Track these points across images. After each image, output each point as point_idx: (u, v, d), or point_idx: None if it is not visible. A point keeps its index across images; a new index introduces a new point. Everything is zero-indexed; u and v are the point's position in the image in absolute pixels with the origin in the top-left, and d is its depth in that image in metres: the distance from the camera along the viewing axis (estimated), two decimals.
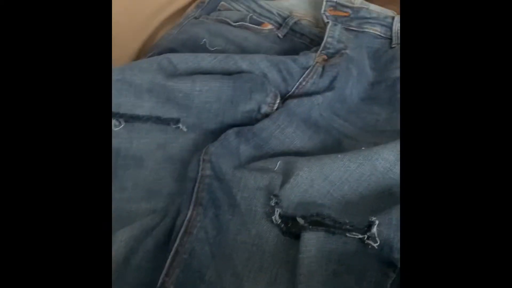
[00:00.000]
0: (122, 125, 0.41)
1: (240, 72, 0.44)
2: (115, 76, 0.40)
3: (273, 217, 0.36)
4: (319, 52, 0.50)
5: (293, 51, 0.52)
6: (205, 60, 0.44)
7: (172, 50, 0.53)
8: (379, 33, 0.58)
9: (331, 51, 0.51)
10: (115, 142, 0.41)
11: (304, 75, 0.47)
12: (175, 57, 0.45)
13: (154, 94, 0.42)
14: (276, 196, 0.37)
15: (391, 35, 0.57)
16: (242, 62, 0.45)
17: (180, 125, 0.42)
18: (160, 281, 0.31)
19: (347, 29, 0.57)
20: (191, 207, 0.36)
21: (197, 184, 0.38)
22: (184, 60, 0.44)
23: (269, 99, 0.43)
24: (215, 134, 0.42)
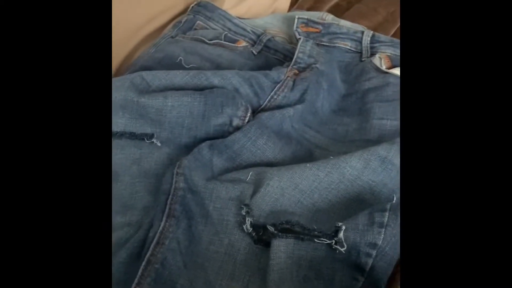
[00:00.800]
0: None
1: (212, 87, 0.46)
2: None
3: (244, 226, 0.37)
4: (290, 67, 0.52)
5: (267, 67, 0.54)
6: (178, 77, 0.46)
7: (148, 69, 0.54)
8: (349, 47, 0.60)
9: (302, 65, 0.53)
10: None
11: (275, 89, 0.49)
12: (148, 75, 0.46)
13: (127, 110, 0.43)
14: (247, 205, 0.38)
15: (361, 49, 0.59)
16: (214, 78, 0.47)
17: (154, 140, 0.43)
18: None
19: (318, 44, 0.59)
20: (164, 219, 0.37)
21: (170, 197, 0.39)
22: (156, 77, 0.46)
23: (240, 113, 0.45)
24: (189, 147, 0.43)
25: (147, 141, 0.43)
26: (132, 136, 0.43)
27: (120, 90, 0.44)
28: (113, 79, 0.45)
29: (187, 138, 0.44)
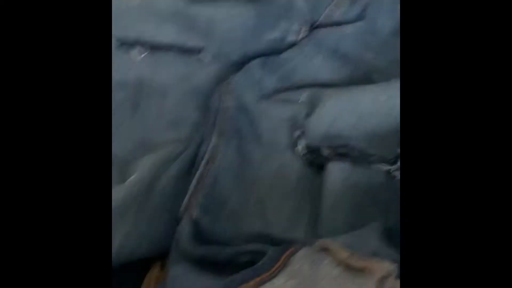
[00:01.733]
0: (145, 54, 0.40)
1: None
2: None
3: (297, 148, 0.36)
4: None
5: None
6: None
7: None
8: None
9: None
10: (137, 72, 0.40)
11: (333, 3, 0.44)
12: None
13: (176, 20, 0.40)
14: (300, 127, 0.36)
15: None
16: None
17: (203, 54, 0.41)
18: (184, 202, 0.31)
19: None
20: (214, 137, 0.36)
21: (220, 115, 0.38)
22: None
23: (295, 27, 0.41)
24: (239, 64, 0.41)
25: (197, 55, 0.41)
26: (181, 49, 0.40)
27: None
28: None
29: (237, 54, 0.41)
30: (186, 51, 0.40)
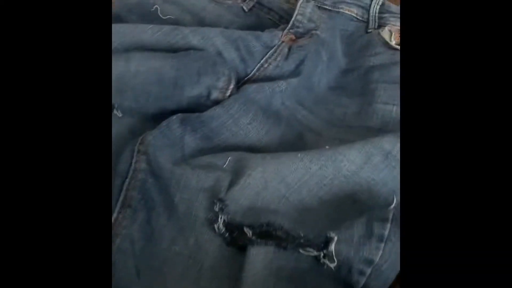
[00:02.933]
0: None
1: (189, 48, 0.38)
2: None
3: (216, 225, 0.31)
4: (286, 30, 0.44)
5: (258, 28, 0.46)
6: (147, 33, 0.37)
7: (115, 17, 0.45)
8: (355, 15, 0.52)
9: (300, 30, 0.44)
10: None
11: (266, 56, 0.41)
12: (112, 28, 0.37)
13: None
14: (221, 200, 0.31)
15: (367, 18, 0.51)
16: (193, 37, 0.38)
17: (114, 110, 0.35)
18: None
19: (320, 8, 0.50)
20: (116, 209, 0.30)
21: (127, 180, 0.32)
22: (121, 33, 0.37)
23: (221, 84, 0.37)
24: (157, 120, 0.35)
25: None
26: None
27: None
28: None
29: (154, 109, 0.36)
30: None
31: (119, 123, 0.36)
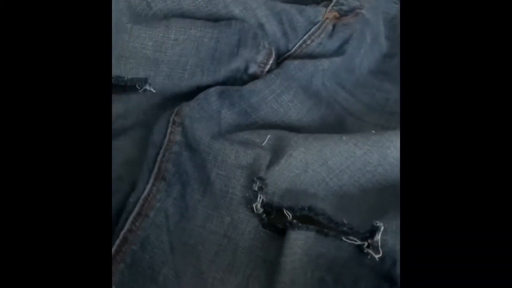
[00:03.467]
0: None
1: (230, 18, 0.35)
2: None
3: (254, 205, 0.29)
4: (330, 7, 0.41)
5: (299, 2, 0.43)
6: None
7: None
8: None
9: (344, 8, 0.42)
10: None
11: (310, 32, 0.39)
12: None
13: (115, 43, 0.32)
14: (260, 179, 0.29)
15: None
16: (235, 7, 0.36)
17: (147, 87, 0.33)
18: None
19: None
20: (150, 181, 0.28)
21: (161, 152, 0.30)
22: None
23: (260, 57, 0.35)
24: (189, 99, 0.33)
25: (139, 90, 0.33)
26: (119, 80, 0.32)
27: (112, 12, 0.33)
28: None
29: (188, 87, 0.34)
30: (124, 86, 0.32)
31: (150, 101, 0.34)
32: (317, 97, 0.38)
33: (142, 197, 0.27)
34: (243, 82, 0.35)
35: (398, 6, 0.50)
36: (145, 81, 0.33)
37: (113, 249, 0.24)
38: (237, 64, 0.35)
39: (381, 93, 0.41)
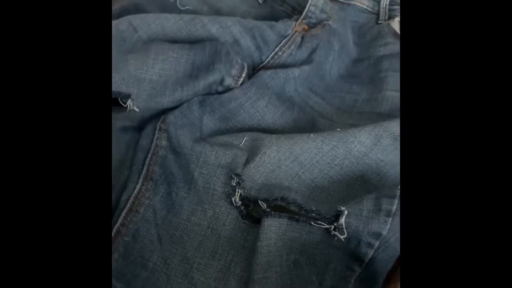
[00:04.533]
0: None
1: (208, 36, 0.39)
2: None
3: (233, 198, 0.33)
4: (299, 20, 0.45)
5: (272, 19, 0.47)
6: (170, 21, 0.39)
7: (137, 6, 0.47)
8: (366, 7, 0.53)
9: (312, 20, 0.46)
10: None
11: (280, 44, 0.43)
12: (136, 19, 0.39)
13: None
14: (238, 175, 0.33)
15: (378, 10, 0.53)
16: (212, 25, 0.40)
17: (129, 102, 0.36)
18: None
19: (332, 0, 0.52)
20: (140, 181, 0.32)
21: (149, 155, 0.34)
22: (145, 22, 0.39)
23: (234, 71, 0.39)
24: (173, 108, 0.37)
25: (124, 107, 0.36)
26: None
27: None
28: None
29: (170, 102, 0.37)
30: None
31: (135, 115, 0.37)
32: (290, 102, 0.42)
33: (133, 195, 0.31)
34: (218, 93, 0.39)
35: (366, 15, 0.54)
36: (128, 96, 0.36)
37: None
38: (213, 78, 0.39)
39: (350, 95, 0.45)
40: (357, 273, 0.31)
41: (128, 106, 0.35)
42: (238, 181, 0.33)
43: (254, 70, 0.42)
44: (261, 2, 0.52)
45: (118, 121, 0.35)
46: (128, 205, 0.30)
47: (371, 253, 0.31)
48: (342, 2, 0.53)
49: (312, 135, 0.36)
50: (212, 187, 0.33)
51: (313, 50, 0.43)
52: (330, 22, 0.46)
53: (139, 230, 0.30)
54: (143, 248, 0.29)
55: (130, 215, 0.30)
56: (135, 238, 0.29)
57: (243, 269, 0.31)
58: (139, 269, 0.28)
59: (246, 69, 0.39)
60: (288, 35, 0.44)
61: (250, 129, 0.38)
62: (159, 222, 0.31)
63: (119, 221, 0.29)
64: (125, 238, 0.29)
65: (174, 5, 0.48)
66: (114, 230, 0.29)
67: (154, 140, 0.35)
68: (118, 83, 0.35)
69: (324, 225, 0.31)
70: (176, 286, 0.29)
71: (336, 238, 0.31)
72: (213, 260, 0.31)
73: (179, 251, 0.30)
